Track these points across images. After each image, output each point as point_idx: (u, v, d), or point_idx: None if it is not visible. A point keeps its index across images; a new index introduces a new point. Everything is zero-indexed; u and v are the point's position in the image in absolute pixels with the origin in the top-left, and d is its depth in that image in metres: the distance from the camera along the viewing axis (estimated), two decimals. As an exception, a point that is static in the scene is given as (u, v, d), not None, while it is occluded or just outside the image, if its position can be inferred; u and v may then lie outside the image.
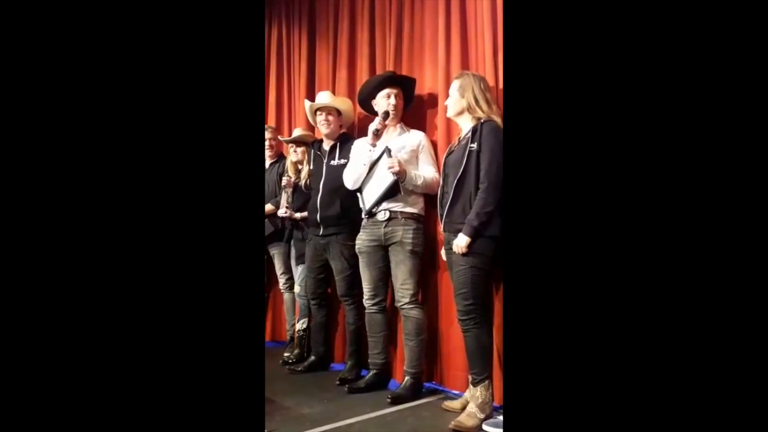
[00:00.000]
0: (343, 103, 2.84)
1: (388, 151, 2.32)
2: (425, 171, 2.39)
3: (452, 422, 1.95)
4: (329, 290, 2.85)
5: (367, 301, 2.49)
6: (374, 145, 2.36)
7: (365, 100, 2.63)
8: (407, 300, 2.34)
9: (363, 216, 2.45)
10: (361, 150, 2.47)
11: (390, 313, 2.52)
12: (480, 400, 1.97)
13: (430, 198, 2.41)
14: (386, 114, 2.39)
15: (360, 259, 2.49)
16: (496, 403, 2.05)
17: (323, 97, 2.82)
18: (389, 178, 2.30)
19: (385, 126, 2.39)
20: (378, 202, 2.37)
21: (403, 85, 2.54)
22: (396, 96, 2.47)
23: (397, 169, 2.26)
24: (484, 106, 2.05)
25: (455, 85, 2.13)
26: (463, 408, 2.04)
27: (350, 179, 2.48)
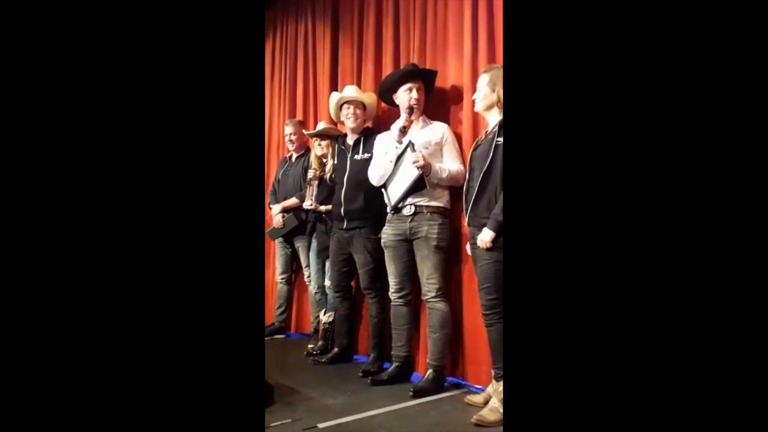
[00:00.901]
0: (369, 98, 2.85)
1: (411, 145, 2.32)
2: (450, 164, 2.38)
3: (474, 416, 1.94)
4: (353, 283, 2.87)
5: (392, 294, 2.50)
6: (400, 142, 2.37)
7: (386, 94, 2.63)
8: (433, 294, 2.35)
9: (388, 211, 2.46)
10: (384, 146, 2.48)
11: (415, 306, 2.53)
12: (503, 395, 1.96)
13: (455, 191, 2.41)
14: (411, 109, 2.39)
15: (386, 253, 2.50)
16: (519, 399, 2.04)
17: (350, 91, 2.83)
18: (414, 173, 2.30)
19: (411, 122, 2.39)
20: (403, 198, 2.37)
21: (425, 77, 2.53)
22: (418, 89, 2.47)
23: (422, 163, 2.26)
24: None
25: (484, 79, 2.10)
26: (486, 402, 2.03)
27: (375, 176, 2.49)
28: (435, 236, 2.34)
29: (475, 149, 2.15)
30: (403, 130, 2.35)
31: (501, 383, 1.98)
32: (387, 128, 2.61)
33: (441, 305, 2.35)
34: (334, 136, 3.00)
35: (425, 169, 2.27)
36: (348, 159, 2.75)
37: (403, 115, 2.38)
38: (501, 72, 2.07)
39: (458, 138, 2.47)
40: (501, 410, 1.95)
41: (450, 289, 2.43)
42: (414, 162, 2.27)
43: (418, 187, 2.31)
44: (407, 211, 2.38)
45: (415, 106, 2.42)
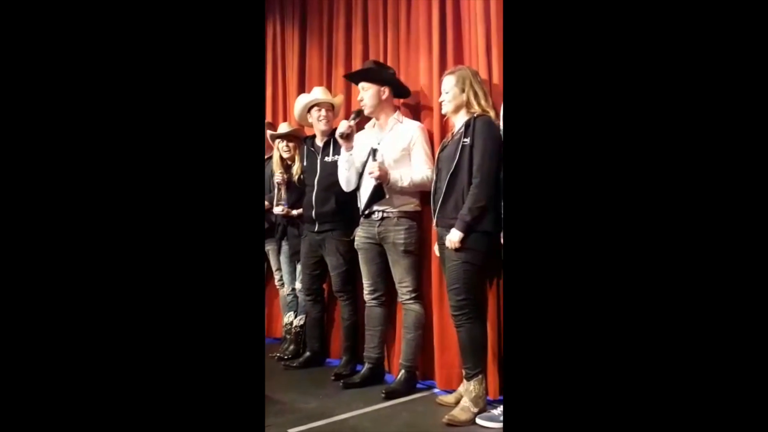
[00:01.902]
0: (339, 99, 2.85)
1: (373, 153, 2.31)
2: (416, 169, 2.35)
3: (446, 416, 1.96)
4: (324, 286, 2.85)
5: (367, 296, 2.50)
6: (348, 149, 2.36)
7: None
8: (407, 297, 2.37)
9: (360, 214, 2.46)
10: (360, 147, 2.45)
11: (389, 307, 2.53)
12: (473, 394, 1.98)
13: (425, 193, 2.41)
14: (357, 113, 2.38)
15: (359, 255, 2.50)
16: (489, 397, 2.06)
17: (319, 93, 2.81)
18: (374, 181, 2.30)
19: (352, 128, 2.36)
20: (368, 205, 2.37)
21: (376, 78, 2.42)
22: (366, 90, 2.40)
23: (377, 174, 2.25)
24: (482, 101, 2.04)
25: (450, 81, 2.09)
26: (457, 402, 2.04)
27: (342, 182, 2.49)
28: (402, 241, 2.34)
29: (441, 150, 2.16)
30: (343, 136, 2.33)
31: (471, 383, 2.00)
32: (362, 128, 2.59)
33: (416, 306, 2.37)
34: (301, 138, 2.98)
35: (382, 180, 2.27)
36: (318, 161, 2.73)
37: (344, 121, 2.36)
38: (467, 72, 2.08)
39: (430, 136, 2.45)
40: (472, 409, 1.96)
41: (420, 292, 2.43)
42: (369, 173, 2.27)
43: (377, 196, 2.31)
44: (376, 216, 2.38)
45: (363, 109, 2.40)
